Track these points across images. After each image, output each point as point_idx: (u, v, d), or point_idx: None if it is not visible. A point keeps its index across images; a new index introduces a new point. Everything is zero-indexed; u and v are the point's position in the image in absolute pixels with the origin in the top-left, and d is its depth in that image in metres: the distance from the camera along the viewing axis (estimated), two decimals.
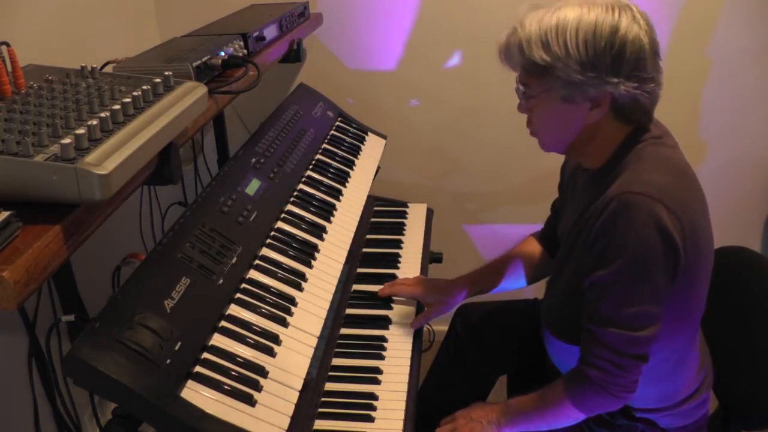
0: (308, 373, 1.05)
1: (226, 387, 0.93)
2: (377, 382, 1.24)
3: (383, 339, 1.35)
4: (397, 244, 1.67)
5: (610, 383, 1.10)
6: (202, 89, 1.03)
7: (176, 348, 0.91)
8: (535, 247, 1.51)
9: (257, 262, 1.18)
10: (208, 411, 0.88)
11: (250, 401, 0.93)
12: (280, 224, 1.31)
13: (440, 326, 1.67)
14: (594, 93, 1.06)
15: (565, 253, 1.26)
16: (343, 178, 1.60)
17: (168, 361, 0.88)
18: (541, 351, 1.53)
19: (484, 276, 1.50)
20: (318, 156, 1.62)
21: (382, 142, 1.89)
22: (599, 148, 1.15)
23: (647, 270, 1.04)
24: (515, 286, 1.52)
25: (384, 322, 1.40)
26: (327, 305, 1.20)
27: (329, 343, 1.31)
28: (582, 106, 1.09)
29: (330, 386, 1.22)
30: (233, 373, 0.96)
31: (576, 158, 1.26)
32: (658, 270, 1.04)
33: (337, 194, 1.52)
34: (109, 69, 1.21)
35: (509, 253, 1.52)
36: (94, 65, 1.04)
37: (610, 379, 1.10)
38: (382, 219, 1.79)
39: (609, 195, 1.06)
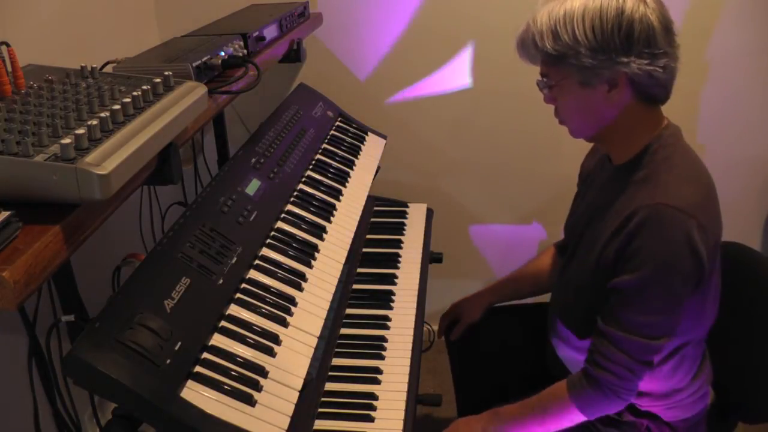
0: (308, 373, 1.04)
1: (226, 387, 0.93)
2: (377, 382, 1.24)
3: (383, 339, 1.35)
4: (397, 244, 1.67)
5: (622, 387, 1.12)
6: (202, 89, 1.03)
7: (176, 348, 0.90)
8: (552, 259, 1.55)
9: (257, 262, 1.18)
10: (208, 411, 0.88)
11: (250, 401, 0.93)
12: (280, 224, 1.31)
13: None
14: (608, 75, 1.09)
15: (573, 245, 1.27)
16: (343, 178, 1.60)
17: (168, 361, 0.88)
18: (541, 355, 1.53)
19: (504, 288, 1.61)
20: (318, 156, 1.62)
21: (382, 142, 1.89)
22: (627, 138, 1.16)
23: (673, 283, 1.06)
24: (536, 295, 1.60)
25: (384, 322, 1.40)
26: (327, 305, 1.20)
27: (329, 343, 1.31)
28: (600, 89, 1.11)
29: (330, 386, 1.22)
30: (233, 373, 0.96)
31: (605, 148, 1.26)
32: (682, 283, 1.06)
33: (337, 194, 1.52)
34: (109, 69, 1.21)
35: (531, 265, 1.60)
36: (94, 65, 1.04)
37: (622, 384, 1.11)
38: (382, 219, 1.79)
39: (640, 201, 1.07)
